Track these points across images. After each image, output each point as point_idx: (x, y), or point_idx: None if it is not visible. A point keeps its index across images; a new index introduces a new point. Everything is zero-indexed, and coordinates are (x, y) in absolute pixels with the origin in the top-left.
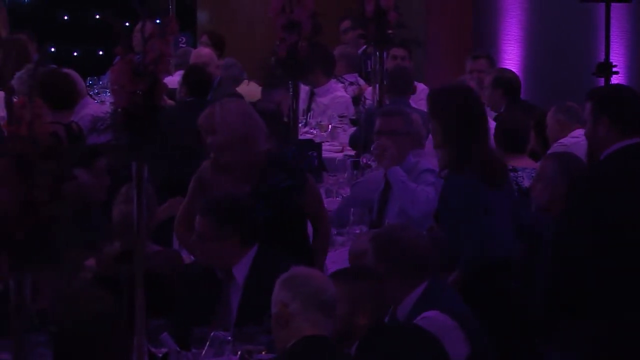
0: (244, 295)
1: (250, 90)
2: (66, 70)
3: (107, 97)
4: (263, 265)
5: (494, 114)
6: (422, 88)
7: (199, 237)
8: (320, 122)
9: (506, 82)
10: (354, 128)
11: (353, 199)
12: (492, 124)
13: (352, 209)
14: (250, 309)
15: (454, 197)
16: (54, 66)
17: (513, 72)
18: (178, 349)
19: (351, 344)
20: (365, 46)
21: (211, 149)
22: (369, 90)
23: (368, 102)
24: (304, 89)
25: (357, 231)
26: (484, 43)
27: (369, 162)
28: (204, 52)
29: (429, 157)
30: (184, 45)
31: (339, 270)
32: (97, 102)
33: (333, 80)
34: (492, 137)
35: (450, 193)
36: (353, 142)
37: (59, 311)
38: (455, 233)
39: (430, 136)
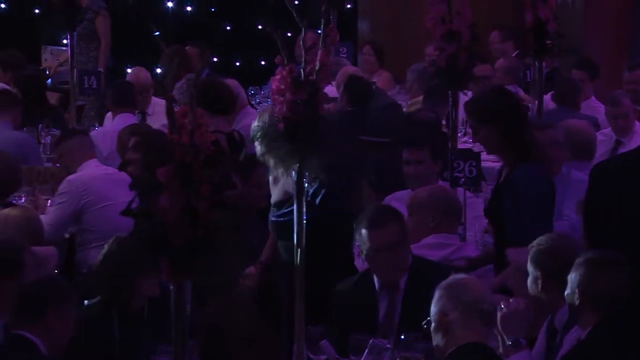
0: (404, 302)
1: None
2: (228, 79)
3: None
4: (421, 272)
5: None
6: None
7: (389, 247)
8: None
9: None
10: None
11: None
12: None
13: None
14: (410, 316)
15: (540, 185)
16: (216, 76)
17: None
18: (337, 356)
19: None
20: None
21: None
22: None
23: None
24: (463, 99)
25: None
26: None
27: None
28: (351, 68)
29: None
30: (344, 56)
31: None
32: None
33: None
34: None
35: (532, 182)
36: None
37: (218, 317)
38: (538, 223)
39: None
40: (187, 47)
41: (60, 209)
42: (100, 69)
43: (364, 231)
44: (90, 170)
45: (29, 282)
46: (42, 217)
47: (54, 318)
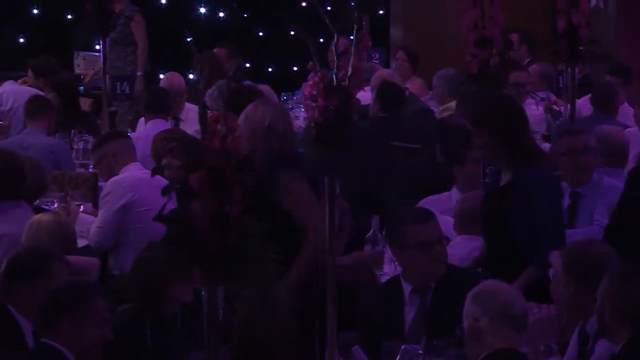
0: (434, 308)
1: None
2: (261, 85)
3: (301, 112)
4: (451, 278)
5: None
6: None
7: (436, 241)
8: None
9: None
10: (547, 144)
11: None
12: None
13: None
14: (440, 322)
15: (551, 187)
16: (249, 82)
17: None
18: None
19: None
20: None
21: None
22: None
23: (560, 118)
24: None
25: None
26: None
27: None
28: (385, 72)
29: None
30: (377, 62)
31: None
32: (291, 117)
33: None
34: None
35: (543, 183)
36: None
37: (249, 323)
38: (556, 226)
39: None
40: (215, 49)
41: (107, 210)
42: (139, 73)
43: (409, 227)
44: (134, 172)
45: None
46: (92, 221)
47: (68, 325)
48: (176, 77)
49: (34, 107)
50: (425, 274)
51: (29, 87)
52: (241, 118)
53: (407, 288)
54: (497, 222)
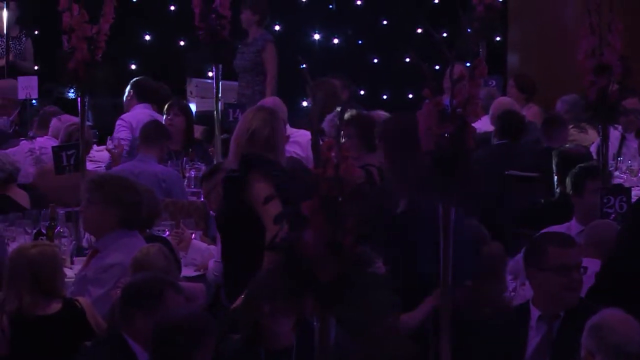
0: (560, 337)
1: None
2: (378, 111)
3: None
4: (583, 310)
5: None
6: None
7: (578, 266)
8: (631, 166)
9: None
10: None
11: None
12: None
13: None
14: (564, 353)
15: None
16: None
17: None
18: None
19: None
20: None
21: None
22: None
23: None
24: (614, 133)
25: None
26: None
27: None
28: (504, 100)
29: None
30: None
31: None
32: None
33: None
34: None
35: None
36: None
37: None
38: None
39: None
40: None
41: None
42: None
43: (552, 248)
44: None
45: (167, 319)
46: (205, 248)
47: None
48: (277, 101)
49: (150, 134)
50: (557, 299)
51: (156, 113)
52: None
53: (535, 314)
54: None
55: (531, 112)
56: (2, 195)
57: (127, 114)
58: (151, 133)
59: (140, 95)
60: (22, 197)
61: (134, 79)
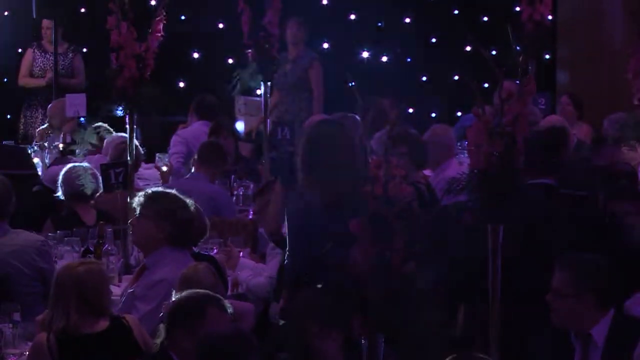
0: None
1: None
2: (437, 126)
3: (466, 158)
4: (623, 328)
5: None
6: None
7: (555, 293)
8: None
9: None
10: None
11: None
12: None
13: None
14: None
15: None
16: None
17: None
18: None
19: None
20: None
21: None
22: None
23: None
24: None
25: None
26: None
27: None
28: (553, 118)
29: None
30: (543, 107)
31: None
32: (456, 163)
33: None
34: None
35: None
36: None
37: None
38: None
39: None
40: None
41: (277, 261)
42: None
43: None
44: None
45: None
46: (253, 266)
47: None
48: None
49: (205, 153)
50: None
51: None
52: None
53: (574, 338)
54: None
55: (581, 131)
56: (70, 212)
57: (184, 129)
58: (206, 153)
59: (200, 112)
60: (89, 215)
61: (198, 96)
